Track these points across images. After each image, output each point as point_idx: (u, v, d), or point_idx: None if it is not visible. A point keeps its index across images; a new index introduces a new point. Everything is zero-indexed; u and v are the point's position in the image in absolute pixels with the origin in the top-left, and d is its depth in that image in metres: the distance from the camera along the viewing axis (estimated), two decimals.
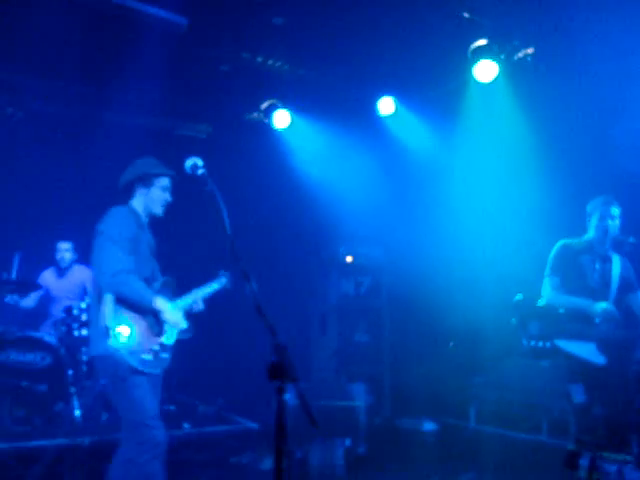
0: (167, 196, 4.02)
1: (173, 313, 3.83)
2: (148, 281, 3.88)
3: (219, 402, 6.31)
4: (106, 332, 3.59)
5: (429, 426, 7.17)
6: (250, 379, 6.33)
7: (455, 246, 6.79)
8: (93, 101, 7.18)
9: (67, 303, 6.40)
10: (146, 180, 3.93)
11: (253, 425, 6.03)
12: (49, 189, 7.11)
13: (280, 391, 2.71)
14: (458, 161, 6.80)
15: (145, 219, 4.01)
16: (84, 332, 6.23)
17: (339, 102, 7.14)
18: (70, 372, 6.00)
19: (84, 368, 6.28)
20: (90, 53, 6.04)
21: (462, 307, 6.39)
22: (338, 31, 5.98)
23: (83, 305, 6.31)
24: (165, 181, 3.99)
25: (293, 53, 6.66)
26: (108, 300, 3.64)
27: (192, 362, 6.47)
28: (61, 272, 6.89)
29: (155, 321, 3.84)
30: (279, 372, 2.68)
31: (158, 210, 4.00)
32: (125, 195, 4.02)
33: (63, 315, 6.27)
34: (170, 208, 4.13)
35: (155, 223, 4.14)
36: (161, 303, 3.77)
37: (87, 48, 5.93)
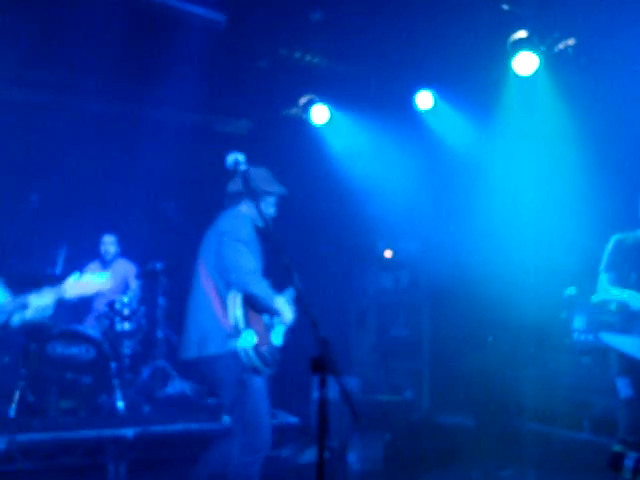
0: (272, 212, 4.05)
1: (290, 313, 3.87)
2: None
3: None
4: (235, 332, 3.62)
5: (469, 421, 7.12)
6: (289, 373, 6.37)
7: (494, 240, 6.72)
8: (134, 98, 7.28)
9: (110, 297, 6.49)
10: (256, 195, 3.83)
11: (292, 419, 6.06)
12: (93, 184, 7.24)
13: (322, 384, 2.74)
14: (497, 154, 6.72)
15: None
16: (126, 326, 6.34)
17: (377, 96, 7.10)
18: (113, 365, 6.11)
19: (127, 361, 6.40)
20: (131, 52, 6.11)
21: (502, 301, 6.33)
22: (376, 25, 5.95)
23: (125, 299, 6.41)
24: (273, 199, 4.03)
25: (331, 48, 6.66)
26: (237, 300, 3.66)
27: None
28: (105, 265, 7.00)
29: (268, 321, 3.90)
30: (321, 366, 2.71)
31: (260, 223, 3.98)
32: (230, 199, 4.05)
33: (106, 309, 6.38)
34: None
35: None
36: (281, 303, 3.82)
37: (128, 47, 5.99)
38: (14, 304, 3.25)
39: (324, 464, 2.75)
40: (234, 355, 3.63)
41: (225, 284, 3.75)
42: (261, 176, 4.02)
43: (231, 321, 3.63)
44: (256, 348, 3.65)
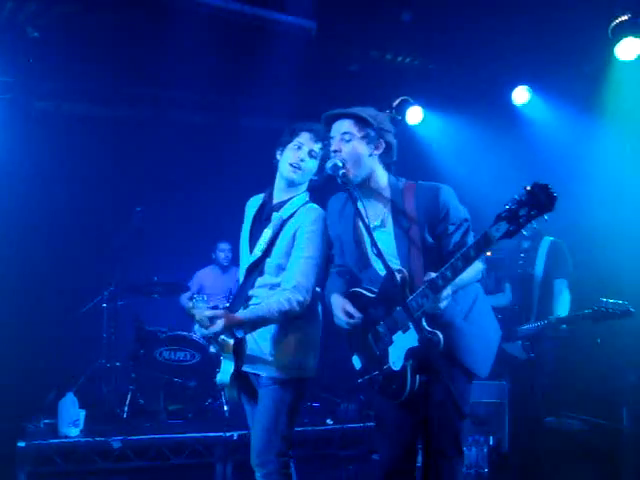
0: None
1: None
2: None
3: (361, 399, 6.35)
4: None
5: (578, 426, 6.83)
6: None
7: (594, 243, 6.36)
8: (230, 108, 7.54)
9: (214, 302, 6.62)
10: None
11: None
12: (196, 193, 7.49)
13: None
14: (602, 149, 6.39)
15: None
16: None
17: (471, 94, 6.96)
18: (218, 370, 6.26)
19: None
20: (225, 63, 6.27)
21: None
22: (466, 22, 5.83)
23: (227, 305, 6.52)
24: None
25: (422, 48, 6.59)
26: None
27: (336, 362, 6.54)
28: (223, 269, 7.29)
29: None
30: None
31: None
32: None
33: None
34: None
35: None
36: None
37: (222, 59, 6.16)
38: None
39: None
40: None
41: None
42: None
43: None
44: None
